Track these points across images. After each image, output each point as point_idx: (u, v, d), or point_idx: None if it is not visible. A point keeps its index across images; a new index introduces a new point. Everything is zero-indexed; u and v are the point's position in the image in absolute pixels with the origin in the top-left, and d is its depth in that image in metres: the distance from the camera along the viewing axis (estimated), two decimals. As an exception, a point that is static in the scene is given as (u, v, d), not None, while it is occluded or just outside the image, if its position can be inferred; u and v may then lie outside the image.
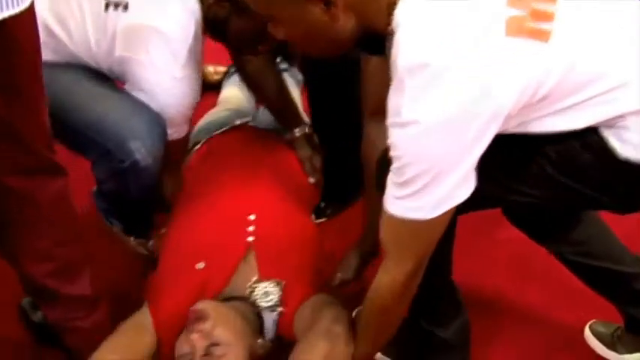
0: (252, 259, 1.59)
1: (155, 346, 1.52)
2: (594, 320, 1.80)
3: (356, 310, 1.80)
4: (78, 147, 1.73)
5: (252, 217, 1.65)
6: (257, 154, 1.88)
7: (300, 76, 2.52)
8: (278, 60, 2.55)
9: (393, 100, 1.15)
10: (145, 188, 1.75)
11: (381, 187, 1.28)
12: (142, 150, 1.64)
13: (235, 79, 2.42)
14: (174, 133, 1.76)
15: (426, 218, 1.19)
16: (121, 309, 1.69)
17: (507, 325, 1.83)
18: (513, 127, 1.19)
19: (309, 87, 2.10)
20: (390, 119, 1.16)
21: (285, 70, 2.52)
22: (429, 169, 1.15)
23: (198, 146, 1.98)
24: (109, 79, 1.77)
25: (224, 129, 1.98)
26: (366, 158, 1.67)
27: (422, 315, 1.58)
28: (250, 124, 1.99)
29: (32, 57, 1.29)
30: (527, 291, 1.91)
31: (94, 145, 1.66)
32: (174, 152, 1.82)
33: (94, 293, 1.63)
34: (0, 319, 1.64)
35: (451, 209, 1.20)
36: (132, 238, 1.99)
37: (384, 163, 1.27)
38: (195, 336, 1.43)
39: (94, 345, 1.51)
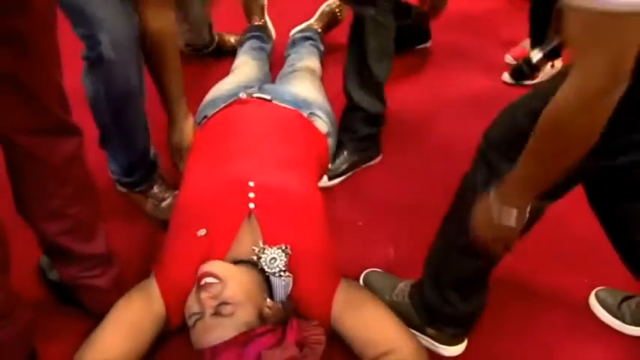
0: (255, 225, 1.61)
1: (164, 315, 1.56)
2: (600, 287, 1.79)
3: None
4: (73, 24, 1.76)
5: (251, 184, 1.66)
6: (260, 123, 1.88)
7: (322, 47, 2.57)
8: (302, 31, 2.58)
9: None
10: (114, 94, 1.77)
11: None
12: (106, 41, 1.67)
13: (248, 45, 2.45)
14: None
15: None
16: (134, 271, 1.74)
17: (512, 297, 1.82)
18: None
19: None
20: None
21: (310, 38, 2.57)
22: None
23: (205, 121, 1.98)
24: None
25: (229, 102, 1.98)
26: None
27: (454, 288, 1.58)
28: (255, 95, 1.99)
29: (44, 14, 1.30)
30: (530, 261, 1.88)
31: (79, 26, 1.71)
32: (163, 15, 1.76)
33: (108, 252, 1.66)
34: (20, 277, 1.67)
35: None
36: (149, 200, 2.03)
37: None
38: (204, 295, 1.46)
39: (110, 304, 1.55)
